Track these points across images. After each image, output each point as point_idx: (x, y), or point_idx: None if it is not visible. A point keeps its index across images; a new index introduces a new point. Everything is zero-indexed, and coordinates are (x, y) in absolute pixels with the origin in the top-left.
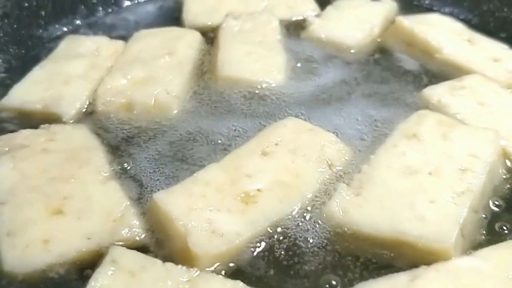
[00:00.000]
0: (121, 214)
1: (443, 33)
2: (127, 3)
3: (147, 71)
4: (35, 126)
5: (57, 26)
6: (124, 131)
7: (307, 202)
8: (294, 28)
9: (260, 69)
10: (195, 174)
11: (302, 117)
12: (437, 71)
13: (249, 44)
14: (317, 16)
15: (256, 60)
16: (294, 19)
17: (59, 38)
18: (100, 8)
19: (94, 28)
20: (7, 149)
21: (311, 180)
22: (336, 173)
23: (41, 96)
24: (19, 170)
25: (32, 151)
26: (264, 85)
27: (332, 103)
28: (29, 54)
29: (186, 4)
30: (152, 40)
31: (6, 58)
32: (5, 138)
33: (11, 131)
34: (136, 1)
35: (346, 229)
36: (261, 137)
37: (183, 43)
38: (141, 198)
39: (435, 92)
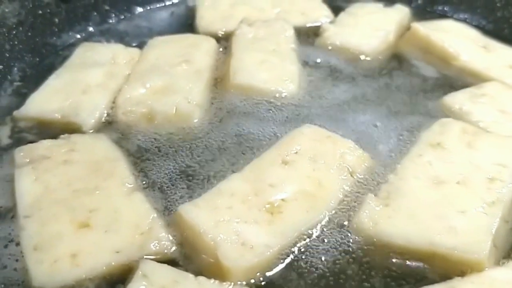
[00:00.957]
0: (149, 227)
1: (459, 40)
2: (139, 9)
3: (166, 80)
4: (53, 136)
5: (70, 34)
6: (146, 141)
7: (333, 211)
8: (308, 35)
9: (273, 78)
10: (218, 185)
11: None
12: (455, 78)
13: (263, 52)
14: (331, 22)
15: (269, 69)
16: (308, 25)
17: (72, 45)
18: (113, 15)
19: (107, 35)
20: (28, 160)
21: (334, 189)
22: (357, 181)
23: (59, 106)
24: (42, 182)
25: (54, 163)
26: (277, 95)
27: (349, 111)
28: (43, 62)
29: (200, 11)
30: (168, 48)
31: (21, 67)
32: (25, 149)
33: (30, 141)
34: (148, 8)
35: (375, 240)
36: (280, 146)
37: (200, 51)
38: (166, 210)
39: (456, 100)
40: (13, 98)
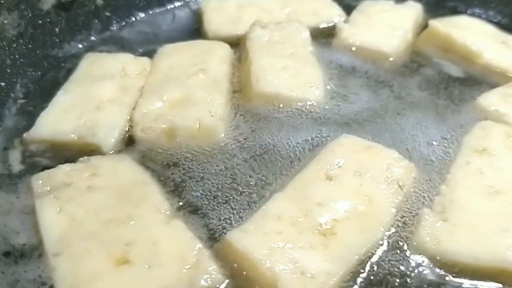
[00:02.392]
0: (196, 258)
1: (479, 37)
2: (141, 15)
3: (183, 91)
4: (70, 159)
5: (72, 44)
6: (170, 160)
7: (389, 229)
8: (322, 36)
9: (298, 85)
10: (263, 208)
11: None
12: (480, 77)
13: (282, 57)
14: (345, 22)
15: (292, 75)
16: (321, 26)
17: (75, 56)
18: (114, 22)
19: (110, 43)
20: (48, 188)
21: (386, 205)
22: (407, 194)
23: (74, 125)
24: (67, 213)
25: (77, 190)
26: (303, 102)
27: (380, 116)
28: (46, 76)
29: (207, 14)
30: (180, 56)
31: (24, 82)
32: (43, 176)
33: (46, 167)
34: (150, 12)
35: (439, 258)
36: (320, 160)
37: (215, 58)
38: (210, 238)
39: (490, 101)
40: (19, 118)
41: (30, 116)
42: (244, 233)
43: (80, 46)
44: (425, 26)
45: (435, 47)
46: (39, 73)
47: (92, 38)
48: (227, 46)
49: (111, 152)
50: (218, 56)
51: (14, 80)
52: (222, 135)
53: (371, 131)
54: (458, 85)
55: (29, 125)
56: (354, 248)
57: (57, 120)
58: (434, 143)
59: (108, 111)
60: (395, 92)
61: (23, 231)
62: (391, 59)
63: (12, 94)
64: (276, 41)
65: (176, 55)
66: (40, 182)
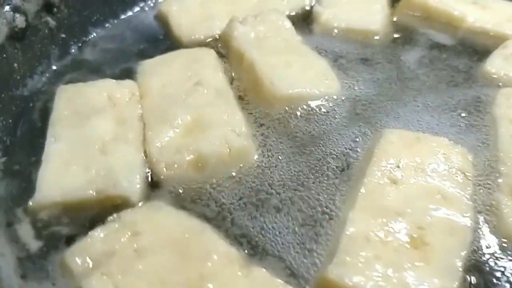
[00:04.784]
0: None
1: (454, 0)
2: (97, 30)
3: (192, 112)
4: (95, 221)
5: (35, 78)
6: (207, 194)
7: (475, 224)
8: (299, 22)
9: (312, 80)
10: (344, 232)
11: (387, 124)
12: (469, 41)
13: (278, 53)
14: (318, 4)
15: (301, 71)
16: (294, 13)
17: (42, 92)
18: (71, 43)
19: (75, 69)
20: (90, 264)
21: (460, 199)
22: (474, 181)
23: (85, 179)
24: None
25: (125, 259)
26: (323, 97)
27: (399, 100)
28: (20, 122)
29: (172, 18)
30: (166, 72)
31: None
32: (78, 251)
33: (70, 237)
34: (106, 25)
35: None
36: (376, 163)
37: (206, 67)
38: (296, 278)
39: (496, 66)
40: (8, 182)
41: (21, 177)
42: (344, 267)
43: (44, 79)
44: None
45: (414, 18)
46: (10, 121)
47: (53, 67)
48: (211, 51)
49: (140, 202)
50: (208, 64)
51: None
52: (256, 156)
53: (400, 117)
54: (453, 53)
55: (25, 189)
56: (455, 255)
57: (62, 177)
58: (460, 118)
59: (116, 153)
60: (399, 72)
61: None
62: (377, 37)
63: None
64: (263, 36)
65: (162, 72)
66: (77, 259)
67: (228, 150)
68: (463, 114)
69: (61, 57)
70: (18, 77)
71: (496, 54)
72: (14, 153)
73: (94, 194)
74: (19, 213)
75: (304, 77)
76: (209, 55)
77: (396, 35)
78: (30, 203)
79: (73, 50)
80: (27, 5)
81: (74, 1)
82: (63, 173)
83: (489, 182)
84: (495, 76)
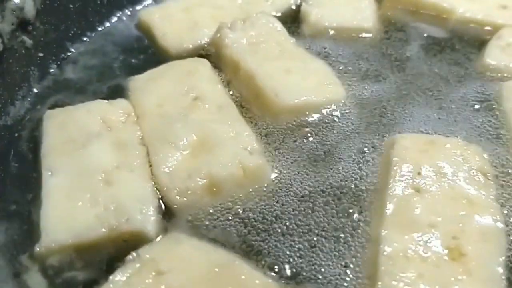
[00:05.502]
0: None
1: None
2: (76, 45)
3: (196, 131)
4: (112, 261)
5: (16, 104)
6: (227, 219)
7: (506, 226)
8: (286, 23)
9: (315, 87)
10: (384, 253)
11: (397, 127)
12: (461, 32)
13: (275, 59)
14: (305, 3)
15: (303, 78)
16: (279, 14)
17: (26, 119)
18: (50, 62)
19: (58, 90)
20: None
21: (487, 202)
22: (495, 180)
23: (94, 215)
24: None
25: None
26: (332, 104)
27: (406, 100)
28: (8, 156)
29: (156, 28)
30: (160, 88)
31: None
32: None
33: (88, 282)
34: (84, 39)
35: None
36: (396, 173)
37: (202, 80)
38: None
39: (495, 57)
40: (8, 226)
41: (20, 218)
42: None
43: (26, 104)
44: None
45: (402, 12)
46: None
47: (34, 90)
48: (205, 62)
49: (159, 237)
50: (204, 76)
51: None
52: (273, 175)
53: (410, 119)
54: (449, 47)
55: (27, 232)
56: (494, 262)
57: (68, 215)
58: (471, 115)
59: (122, 182)
60: (400, 71)
61: None
62: (369, 34)
63: None
64: (256, 41)
65: (156, 88)
66: None
67: (243, 172)
68: (471, 110)
69: (41, 78)
70: (0, 106)
71: (492, 45)
72: (7, 191)
73: (107, 231)
74: (25, 260)
75: (307, 85)
76: (203, 65)
77: (387, 31)
78: (37, 248)
79: (52, 70)
80: (1, 25)
81: (49, 15)
82: (68, 211)
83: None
84: (495, 68)
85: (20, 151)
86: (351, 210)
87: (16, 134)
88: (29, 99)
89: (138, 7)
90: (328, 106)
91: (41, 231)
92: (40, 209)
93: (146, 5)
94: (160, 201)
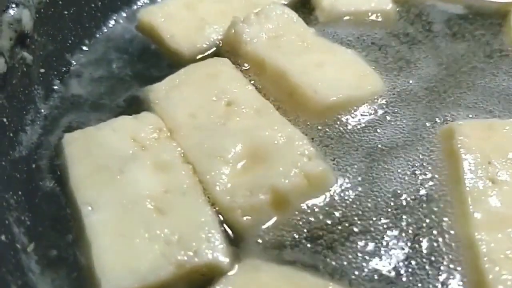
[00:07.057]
0: None
1: None
2: (77, 57)
3: (242, 140)
4: None
5: (27, 130)
6: (302, 237)
7: None
8: (299, 11)
9: (353, 79)
10: (485, 258)
11: (450, 115)
12: (476, 8)
13: (302, 53)
14: None
15: (336, 71)
16: (287, 2)
17: (42, 147)
18: (52, 77)
19: (68, 109)
20: None
21: None
22: None
23: (157, 253)
24: None
25: None
26: (374, 97)
27: (451, 85)
28: (32, 193)
29: (162, 29)
30: (186, 94)
31: (16, 217)
32: None
33: None
34: (84, 48)
35: None
36: (464, 165)
37: (229, 82)
38: None
39: None
40: (53, 277)
41: (65, 265)
42: None
43: (38, 129)
44: None
45: None
46: (20, 193)
47: (42, 111)
48: (226, 61)
49: (234, 272)
50: (229, 77)
51: (7, 222)
52: (338, 179)
53: (458, 105)
54: (472, 24)
55: (78, 280)
56: None
57: (127, 255)
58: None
59: (177, 209)
60: (432, 54)
61: None
62: (390, 17)
63: (17, 245)
64: (276, 35)
65: (181, 96)
66: None
67: (307, 180)
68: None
69: (46, 97)
70: (11, 135)
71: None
72: (42, 235)
73: (175, 269)
74: None
75: (344, 78)
76: (226, 65)
77: (407, 12)
78: None
79: (56, 87)
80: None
81: (45, 25)
82: (125, 250)
83: None
84: None
85: (43, 186)
86: (427, 211)
87: (33, 166)
88: (38, 122)
89: (133, 8)
90: (370, 100)
91: (98, 278)
92: (90, 251)
93: (142, 5)
94: (224, 224)
